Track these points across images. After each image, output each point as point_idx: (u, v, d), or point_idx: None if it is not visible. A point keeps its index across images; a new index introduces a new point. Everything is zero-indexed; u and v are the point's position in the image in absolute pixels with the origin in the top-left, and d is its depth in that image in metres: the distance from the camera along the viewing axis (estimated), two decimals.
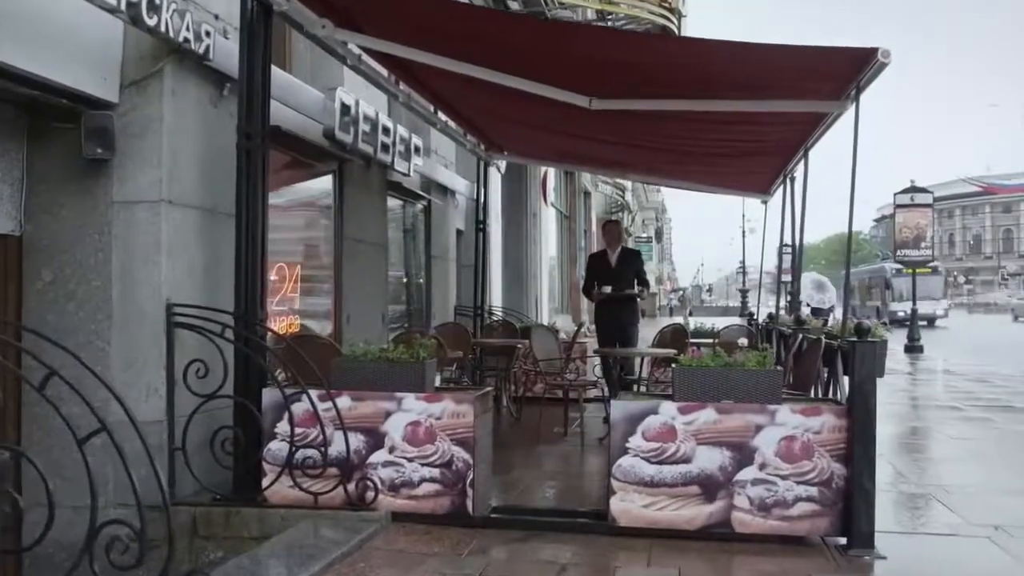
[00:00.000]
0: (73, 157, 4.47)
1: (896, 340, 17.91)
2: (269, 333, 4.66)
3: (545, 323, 11.22)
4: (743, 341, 4.53)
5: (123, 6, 3.99)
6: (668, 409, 4.08)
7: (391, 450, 4.31)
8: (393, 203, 8.84)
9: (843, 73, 4.27)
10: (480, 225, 9.50)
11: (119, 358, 4.51)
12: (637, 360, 7.83)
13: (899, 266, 35.20)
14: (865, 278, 42.22)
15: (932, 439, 7.53)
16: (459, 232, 11.31)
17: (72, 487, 4.20)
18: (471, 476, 4.25)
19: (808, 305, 16.03)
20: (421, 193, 9.47)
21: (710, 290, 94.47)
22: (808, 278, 16.94)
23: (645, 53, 4.42)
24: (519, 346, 8.24)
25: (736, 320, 20.25)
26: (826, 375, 4.76)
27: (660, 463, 4.06)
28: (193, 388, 4.35)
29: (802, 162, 6.41)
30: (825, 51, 3.99)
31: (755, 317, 9.47)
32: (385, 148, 7.38)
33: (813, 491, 3.96)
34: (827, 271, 47.56)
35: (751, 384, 4.10)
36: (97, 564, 2.98)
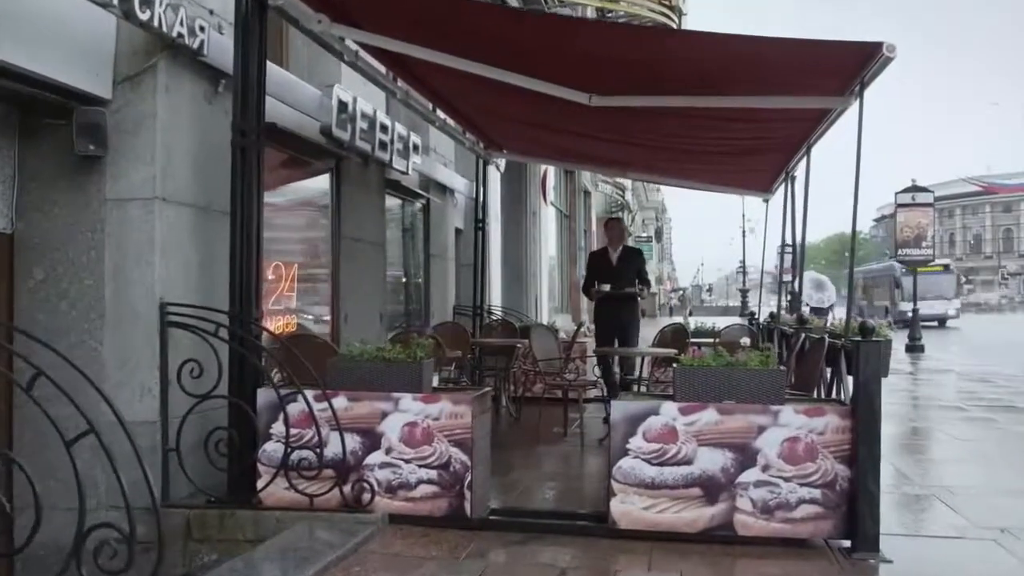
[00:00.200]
0: (65, 154, 4.41)
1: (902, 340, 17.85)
2: (264, 333, 4.59)
3: (545, 323, 11.15)
4: (745, 341, 4.46)
5: (115, 0, 3.92)
6: (669, 410, 4.02)
7: (388, 451, 4.25)
8: (391, 202, 8.78)
9: (847, 68, 4.20)
10: (479, 224, 9.44)
11: (112, 358, 4.45)
12: (638, 360, 7.77)
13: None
14: (873, 277, 40.59)
15: (934, 439, 7.46)
16: (458, 231, 11.25)
17: (66, 489, 4.13)
18: (469, 478, 4.18)
19: (807, 305, 15.98)
20: (420, 192, 9.41)
21: (710, 290, 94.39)
22: (807, 277, 16.84)
23: (645, 48, 4.36)
24: (518, 346, 8.18)
25: (737, 320, 20.19)
26: (829, 375, 4.69)
27: (661, 465, 3.99)
28: (187, 388, 4.29)
29: (804, 159, 6.35)
30: (829, 45, 3.92)
31: (756, 316, 9.40)
32: (383, 146, 7.32)
33: (816, 493, 3.90)
34: (827, 271, 47.45)
35: (753, 384, 4.04)
36: (86, 568, 2.92)
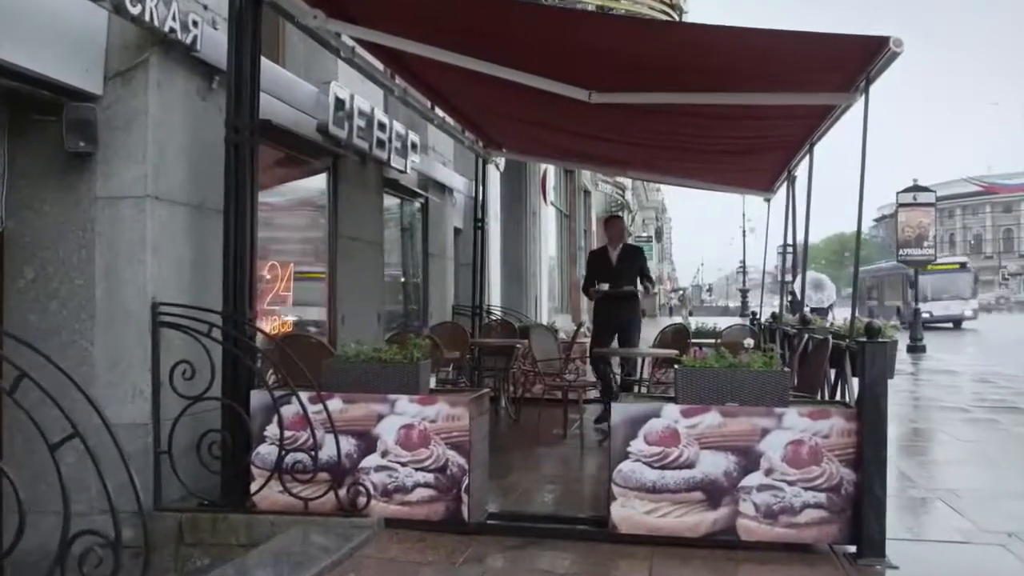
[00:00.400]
0: (55, 151, 4.32)
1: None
2: (258, 333, 4.51)
3: (544, 323, 11.08)
4: (749, 342, 4.37)
5: None
6: (671, 412, 3.94)
7: (384, 454, 4.17)
8: (389, 201, 8.70)
9: (852, 63, 4.12)
10: (479, 223, 9.36)
11: (103, 358, 4.36)
12: (638, 360, 7.68)
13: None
14: (883, 276, 38.19)
15: (936, 441, 7.38)
16: (457, 230, 11.18)
17: (56, 492, 4.06)
18: (466, 481, 4.10)
19: (807, 305, 15.84)
20: (418, 191, 9.33)
21: (710, 290, 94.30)
22: (808, 279, 16.75)
23: (648, 41, 4.28)
24: (518, 346, 8.10)
25: (737, 320, 20.09)
26: (833, 377, 4.62)
27: (662, 468, 3.91)
28: (179, 390, 4.21)
29: (807, 158, 6.27)
30: (834, 39, 3.83)
31: (757, 317, 9.32)
32: (381, 144, 7.24)
33: (821, 497, 3.82)
34: (826, 271, 47.32)
35: (757, 386, 3.96)
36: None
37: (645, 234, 40.92)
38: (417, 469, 4.14)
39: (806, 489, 3.82)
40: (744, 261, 47.91)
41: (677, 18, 12.30)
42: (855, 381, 4.02)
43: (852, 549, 3.81)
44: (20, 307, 4.42)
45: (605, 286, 7.34)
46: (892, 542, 3.81)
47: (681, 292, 62.40)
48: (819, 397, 4.68)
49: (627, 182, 27.89)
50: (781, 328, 7.14)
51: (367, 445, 4.18)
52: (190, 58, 4.65)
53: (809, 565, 3.74)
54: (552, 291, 17.05)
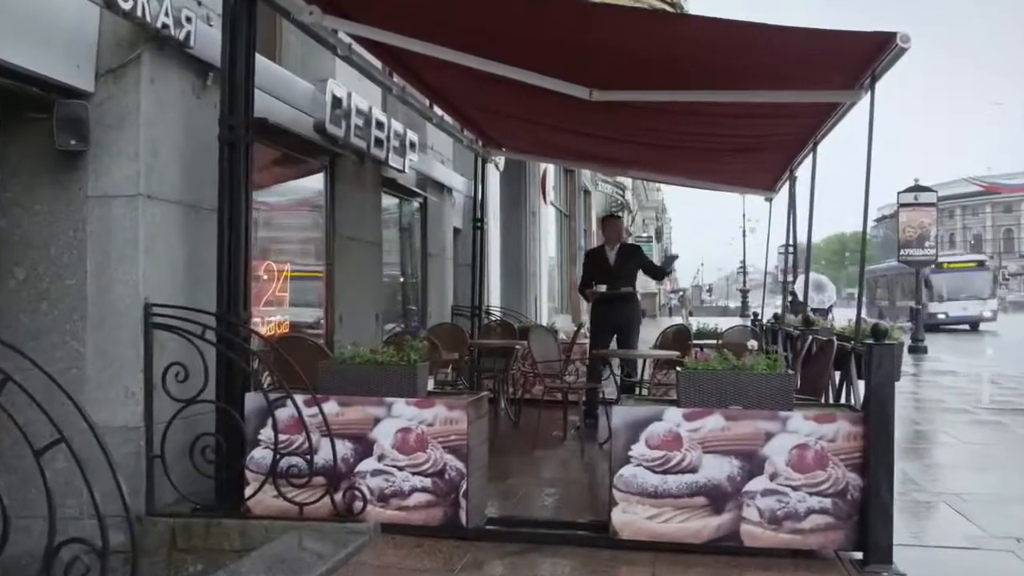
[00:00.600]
0: (46, 149, 4.24)
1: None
2: (253, 335, 4.43)
3: (544, 323, 11.00)
4: (753, 343, 4.29)
5: None
6: (673, 415, 3.86)
7: (380, 458, 4.09)
8: (388, 200, 8.63)
9: (858, 59, 4.04)
10: (478, 223, 9.28)
11: (95, 360, 4.29)
12: (639, 362, 7.60)
13: (940, 260, 29.91)
14: (895, 274, 35.65)
15: (941, 443, 7.30)
16: (456, 230, 11.11)
17: (45, 497, 3.99)
18: (465, 486, 4.02)
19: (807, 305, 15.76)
20: (417, 190, 9.26)
21: (710, 290, 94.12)
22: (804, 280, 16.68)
23: (649, 36, 4.20)
24: (517, 347, 8.01)
25: (738, 320, 20.00)
26: (838, 379, 4.54)
27: (665, 473, 3.83)
28: (172, 392, 4.14)
29: (810, 157, 6.20)
30: (840, 35, 3.75)
31: (759, 317, 9.24)
32: (379, 143, 7.17)
33: (827, 503, 3.74)
34: (827, 271, 47.20)
35: (761, 389, 3.88)
36: None
37: (645, 234, 40.86)
38: (414, 473, 4.06)
39: (811, 494, 3.74)
40: (744, 261, 47.85)
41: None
42: (860, 384, 3.95)
43: (858, 556, 3.73)
44: (11, 308, 4.34)
45: (603, 287, 7.18)
46: (899, 548, 3.73)
47: (681, 292, 62.30)
48: (823, 400, 4.60)
49: (627, 182, 27.83)
50: (783, 329, 7.06)
51: (363, 449, 4.10)
52: (184, 55, 4.58)
53: (815, 572, 3.66)
54: (552, 291, 16.97)
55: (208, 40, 4.59)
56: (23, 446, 4.08)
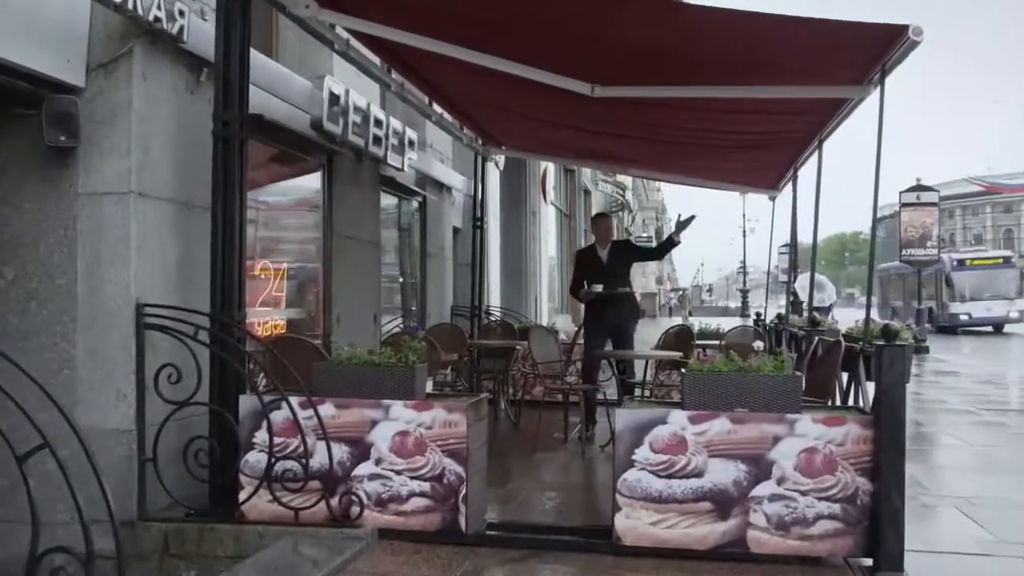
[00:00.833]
0: (35, 145, 4.14)
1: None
2: (248, 336, 4.33)
3: (544, 324, 10.90)
4: (759, 344, 4.20)
5: None
6: (678, 418, 3.76)
7: (377, 462, 3.99)
8: (387, 199, 8.53)
9: (867, 53, 3.95)
10: (478, 222, 9.18)
11: (85, 361, 4.19)
12: (640, 363, 7.50)
13: (963, 256, 28.93)
14: (910, 272, 33.70)
15: (946, 445, 7.20)
16: (456, 230, 11.02)
17: (40, 501, 3.89)
18: (464, 490, 3.93)
19: (806, 304, 15.70)
20: (416, 189, 9.16)
21: (710, 290, 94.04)
22: (806, 279, 16.65)
23: (651, 27, 4.10)
24: (517, 348, 7.92)
25: (738, 320, 19.91)
26: (845, 381, 4.44)
27: (669, 477, 3.73)
28: (165, 394, 4.04)
29: (814, 155, 6.11)
30: (849, 27, 3.64)
31: (762, 317, 9.15)
32: (377, 141, 7.07)
33: (836, 508, 3.64)
34: (826, 271, 47.03)
35: (768, 391, 3.78)
36: None
37: (645, 234, 40.79)
38: (412, 478, 3.96)
39: (820, 499, 3.65)
40: (744, 261, 47.72)
41: None
42: (869, 385, 3.85)
43: (868, 562, 3.64)
44: (1, 308, 4.24)
45: (599, 287, 6.91)
46: (909, 554, 3.64)
47: (681, 292, 62.21)
48: (830, 402, 4.50)
49: (627, 182, 27.75)
50: (787, 329, 6.96)
51: (360, 452, 4.01)
52: (177, 49, 4.48)
53: None
54: (552, 291, 16.89)
55: (202, 34, 4.49)
56: (18, 448, 4.02)
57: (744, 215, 44.79)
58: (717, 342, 8.16)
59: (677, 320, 24.85)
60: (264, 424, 4.02)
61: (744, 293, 43.82)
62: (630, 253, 7.65)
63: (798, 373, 3.92)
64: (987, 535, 4.25)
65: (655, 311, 42.63)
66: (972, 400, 10.04)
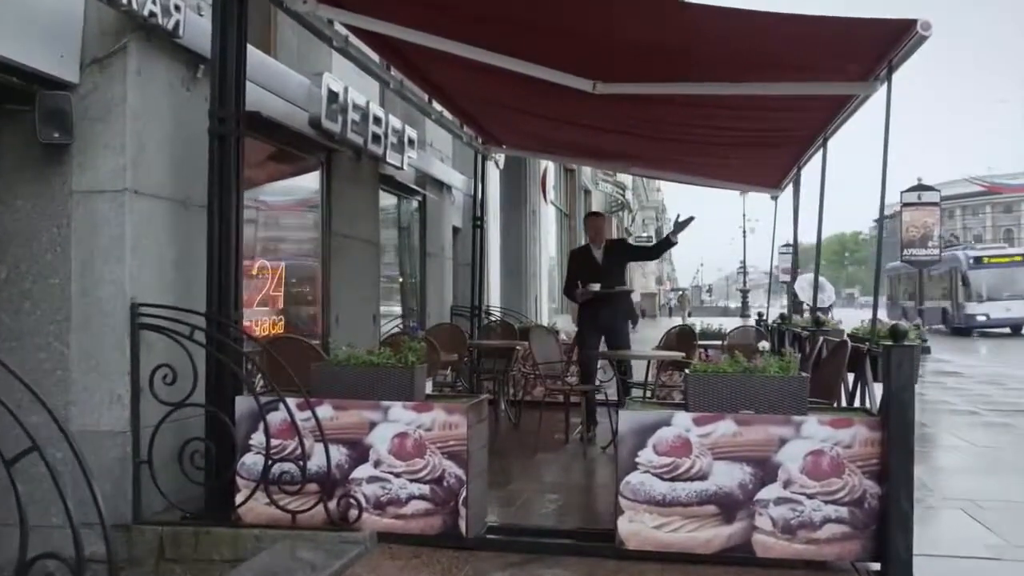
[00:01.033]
0: (28, 142, 4.08)
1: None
2: (244, 336, 4.27)
3: (545, 324, 10.84)
4: (764, 345, 4.13)
5: None
6: (682, 420, 3.69)
7: (376, 464, 3.93)
8: (386, 198, 8.47)
9: (874, 49, 3.88)
10: (478, 222, 9.12)
11: (79, 362, 4.12)
12: (642, 363, 7.43)
13: (980, 254, 27.37)
14: (927, 271, 31.45)
15: (951, 446, 7.13)
16: (456, 229, 10.95)
17: (33, 504, 3.82)
18: (464, 493, 3.86)
19: (806, 304, 15.61)
20: (415, 188, 9.09)
21: (710, 290, 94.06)
22: (805, 279, 16.55)
23: (654, 25, 4.04)
24: (518, 348, 7.86)
25: (739, 320, 19.83)
26: (851, 382, 4.37)
27: (673, 480, 3.66)
28: (160, 396, 3.97)
29: (818, 153, 6.03)
30: (855, 22, 3.58)
31: (764, 317, 9.09)
32: (376, 139, 7.00)
33: (843, 511, 3.57)
34: (826, 271, 46.96)
35: (774, 393, 3.71)
36: None
37: (645, 234, 40.71)
38: (412, 480, 3.90)
39: (827, 502, 3.58)
40: (744, 261, 47.68)
41: None
42: (876, 387, 3.78)
43: (876, 567, 3.57)
44: None
45: (595, 286, 6.76)
46: (918, 558, 3.56)
47: (680, 292, 62.20)
48: (836, 404, 4.43)
49: (627, 181, 27.69)
50: (791, 330, 6.89)
51: (359, 455, 3.94)
52: (173, 45, 4.41)
53: None
54: (552, 291, 16.82)
55: (198, 30, 4.43)
56: (8, 451, 3.95)
57: (744, 215, 44.76)
58: (719, 343, 8.10)
59: (677, 320, 24.79)
60: (261, 426, 3.96)
61: (744, 293, 43.78)
62: (626, 252, 7.53)
63: (804, 374, 3.85)
64: (996, 539, 4.19)
65: (655, 311, 42.60)
66: (975, 400, 9.99)
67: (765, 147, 6.33)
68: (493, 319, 10.11)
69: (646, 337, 8.69)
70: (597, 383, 7.04)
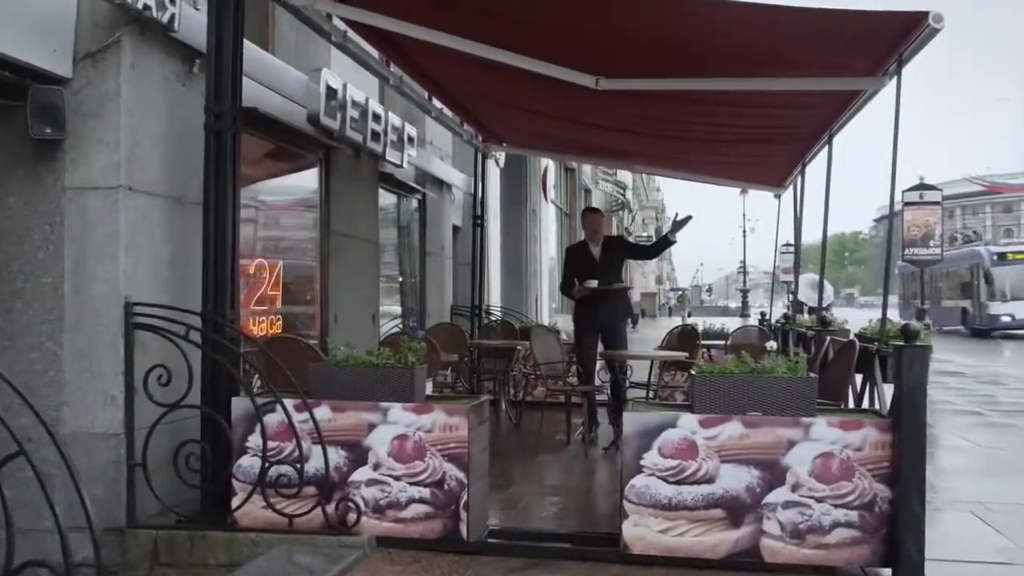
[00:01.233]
0: (20, 138, 3.99)
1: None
2: (241, 336, 4.18)
3: (546, 323, 10.76)
4: (772, 345, 4.05)
5: None
6: (688, 422, 3.61)
7: (375, 467, 3.85)
8: (385, 196, 8.39)
9: (883, 43, 3.80)
10: (478, 221, 9.04)
11: (72, 363, 4.04)
12: (644, 363, 7.35)
13: (1004, 250, 25.49)
14: (943, 269, 27.65)
15: (956, 447, 7.05)
16: (456, 228, 10.88)
17: (23, 508, 3.74)
18: (465, 497, 3.78)
19: (805, 304, 15.50)
20: (415, 186, 9.01)
21: (710, 290, 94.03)
22: (804, 279, 16.47)
23: (658, 18, 3.96)
24: (519, 348, 7.78)
25: (739, 320, 19.76)
26: (859, 383, 4.29)
27: (679, 483, 3.58)
28: (155, 397, 3.88)
29: (824, 150, 5.96)
30: (864, 15, 3.50)
31: (767, 317, 9.00)
32: (376, 136, 6.92)
33: (853, 515, 3.49)
34: (826, 271, 46.80)
35: (782, 394, 3.63)
36: None
37: (645, 233, 40.67)
38: (412, 483, 3.82)
39: (836, 506, 3.50)
40: (744, 261, 47.58)
41: None
42: (884, 388, 3.71)
43: (887, 572, 3.49)
44: None
45: (594, 282, 6.60)
46: (927, 563, 3.48)
47: (680, 292, 62.16)
48: (844, 405, 4.35)
49: (627, 181, 27.62)
50: (795, 329, 6.81)
51: (357, 457, 3.86)
52: (168, 39, 4.33)
53: None
54: (553, 291, 16.74)
55: (194, 24, 4.35)
56: (1, 454, 3.86)
57: (744, 214, 44.63)
58: (721, 342, 8.02)
59: (676, 320, 24.70)
60: (258, 427, 3.87)
61: (744, 293, 43.69)
62: (624, 249, 7.39)
63: (812, 375, 3.77)
64: (1007, 542, 4.11)
65: (655, 311, 42.54)
66: (978, 401, 9.91)
67: (769, 144, 6.26)
68: (493, 319, 10.03)
69: (646, 337, 8.62)
70: (599, 383, 6.95)
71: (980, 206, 79.48)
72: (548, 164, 15.48)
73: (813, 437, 3.53)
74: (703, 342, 7.63)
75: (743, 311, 39.92)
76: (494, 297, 11.66)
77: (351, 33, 5.25)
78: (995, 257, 24.83)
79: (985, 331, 23.88)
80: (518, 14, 4.36)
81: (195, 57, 4.54)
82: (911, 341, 3.48)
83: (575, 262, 7.04)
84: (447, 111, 7.39)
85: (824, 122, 5.42)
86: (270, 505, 3.84)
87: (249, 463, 3.91)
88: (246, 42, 4.30)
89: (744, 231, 45.49)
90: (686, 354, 6.49)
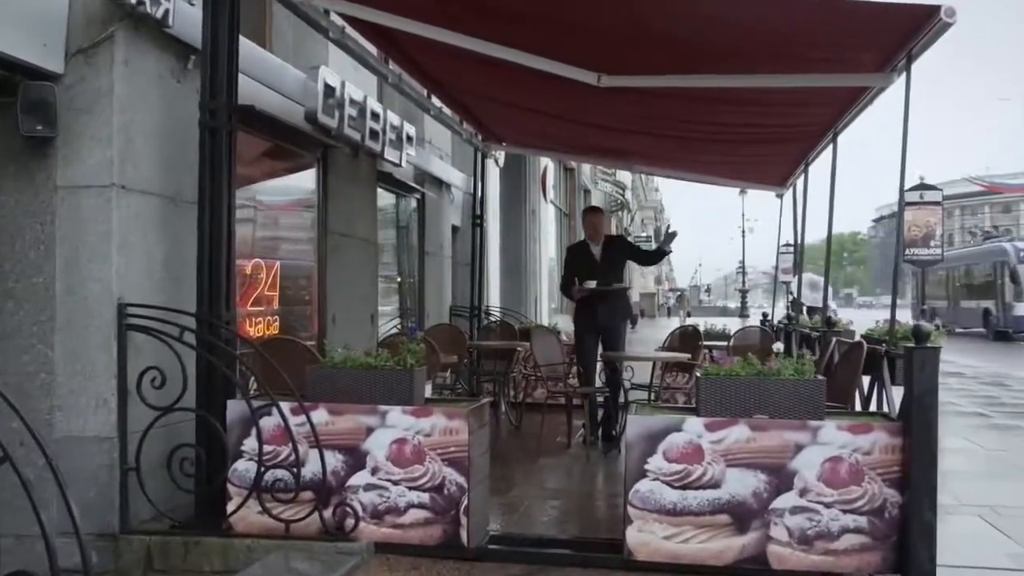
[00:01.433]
0: (11, 135, 3.90)
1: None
2: (236, 337, 4.10)
3: (546, 324, 10.68)
4: (778, 346, 3.97)
5: None
6: (693, 426, 3.53)
7: (374, 471, 3.77)
8: (384, 196, 8.31)
9: (892, 37, 3.72)
10: (477, 221, 8.97)
11: (64, 364, 3.95)
12: (647, 365, 7.26)
13: None
14: (962, 267, 25.77)
15: (961, 449, 6.97)
16: (455, 228, 10.80)
17: (14, 513, 3.66)
18: (465, 502, 3.70)
19: (804, 303, 15.40)
20: (414, 186, 8.93)
21: (708, 290, 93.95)
22: (805, 279, 16.38)
23: (662, 15, 3.89)
24: (519, 349, 7.69)
25: (738, 320, 19.66)
26: (867, 385, 4.21)
27: (684, 488, 3.50)
28: (148, 399, 3.80)
29: (826, 150, 5.89)
30: (872, 7, 3.41)
31: (768, 318, 8.94)
32: (374, 135, 6.84)
33: (862, 521, 3.41)
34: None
35: (789, 397, 3.55)
36: None
37: (644, 233, 40.59)
38: (411, 488, 3.74)
39: (845, 512, 3.42)
40: (743, 261, 47.53)
41: None
42: (893, 390, 3.63)
43: None
44: None
45: (592, 283, 6.54)
46: (939, 569, 3.41)
47: (679, 293, 62.06)
48: (851, 408, 4.27)
49: (627, 181, 27.55)
50: (798, 330, 6.73)
51: (355, 461, 3.78)
52: (163, 35, 4.24)
53: None
54: (553, 291, 16.67)
55: (189, 19, 4.26)
56: None
57: (743, 215, 44.59)
58: (723, 343, 7.95)
59: (675, 320, 24.63)
60: (253, 431, 3.79)
61: (743, 293, 43.65)
62: (624, 250, 7.29)
63: (820, 377, 3.69)
64: (1017, 547, 4.04)
65: (654, 311, 42.47)
66: (981, 402, 9.84)
67: (772, 143, 6.18)
68: (493, 319, 9.96)
69: (646, 337, 8.54)
70: (599, 384, 6.87)
71: (979, 206, 79.56)
72: (547, 164, 15.42)
73: (821, 441, 3.45)
74: (705, 343, 7.56)
75: (742, 311, 39.87)
76: (493, 297, 11.59)
77: (349, 29, 5.17)
78: (1023, 254, 22.82)
79: (1008, 334, 22.19)
80: (519, 9, 4.28)
81: (190, 53, 4.45)
82: (922, 343, 3.40)
83: (575, 262, 6.96)
84: (446, 109, 7.32)
85: (829, 120, 5.34)
86: (266, 510, 3.76)
87: (245, 467, 3.84)
88: (242, 39, 4.22)
89: (743, 231, 45.48)
90: (688, 355, 6.42)
